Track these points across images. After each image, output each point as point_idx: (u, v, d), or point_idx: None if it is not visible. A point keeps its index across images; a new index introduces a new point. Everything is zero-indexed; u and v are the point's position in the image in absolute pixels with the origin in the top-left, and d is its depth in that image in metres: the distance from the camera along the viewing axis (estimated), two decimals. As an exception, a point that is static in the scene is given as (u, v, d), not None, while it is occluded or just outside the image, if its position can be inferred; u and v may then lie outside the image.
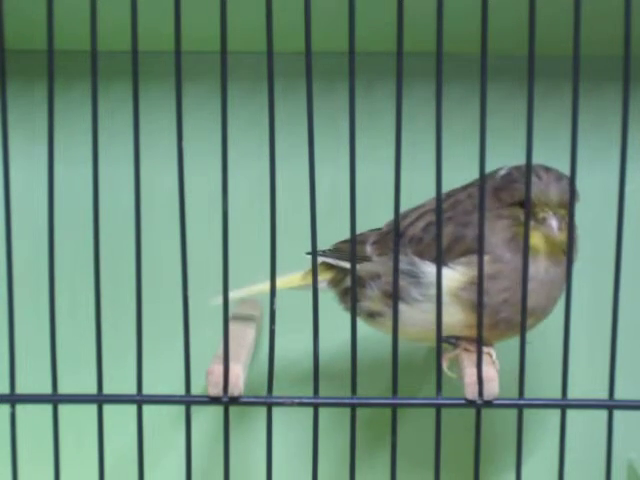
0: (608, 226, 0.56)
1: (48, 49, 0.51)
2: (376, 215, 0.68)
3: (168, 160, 0.59)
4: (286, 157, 0.67)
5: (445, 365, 0.64)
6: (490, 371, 0.57)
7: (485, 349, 0.61)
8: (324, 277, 0.71)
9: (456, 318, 0.62)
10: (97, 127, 0.53)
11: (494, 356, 0.63)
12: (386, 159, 0.62)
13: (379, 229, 0.70)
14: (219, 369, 0.56)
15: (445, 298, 0.61)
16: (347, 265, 0.70)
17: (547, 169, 0.63)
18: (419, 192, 0.67)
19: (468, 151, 0.63)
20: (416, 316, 0.63)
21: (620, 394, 0.56)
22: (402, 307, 0.64)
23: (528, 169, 0.53)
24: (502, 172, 0.64)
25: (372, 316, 0.67)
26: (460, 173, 0.66)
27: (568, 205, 0.57)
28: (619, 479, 0.79)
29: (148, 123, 0.65)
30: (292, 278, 0.72)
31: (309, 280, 0.68)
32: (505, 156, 0.64)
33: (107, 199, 0.59)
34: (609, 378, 0.55)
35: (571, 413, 0.56)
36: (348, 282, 0.70)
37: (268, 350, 0.56)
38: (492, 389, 0.56)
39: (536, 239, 0.61)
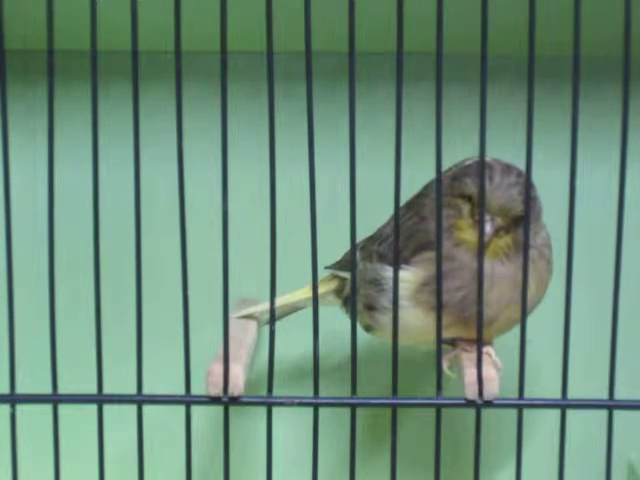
0: (608, 226, 0.56)
1: (48, 49, 0.51)
2: (376, 216, 0.68)
3: (168, 160, 0.59)
4: (286, 157, 0.67)
5: (445, 365, 0.64)
6: (490, 371, 0.57)
7: (484, 349, 0.61)
8: (330, 287, 0.72)
9: (424, 321, 0.62)
10: (97, 127, 0.53)
11: (493, 355, 0.63)
12: (386, 159, 0.62)
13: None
14: (219, 369, 0.56)
15: (403, 302, 0.61)
16: (343, 274, 0.70)
17: (505, 174, 0.61)
18: (419, 192, 0.67)
19: (468, 151, 0.63)
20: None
21: (620, 394, 0.56)
22: (379, 317, 0.64)
23: (528, 168, 0.53)
24: (467, 162, 0.64)
25: (367, 329, 0.67)
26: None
27: (511, 213, 0.58)
28: (619, 479, 0.79)
29: (148, 123, 0.65)
30: (301, 292, 0.72)
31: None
32: (505, 156, 0.64)
33: (107, 199, 0.60)
34: (609, 378, 0.55)
35: (571, 413, 0.56)
36: (346, 291, 0.70)
37: (268, 350, 0.56)
38: (492, 389, 0.56)
39: (469, 235, 0.61)
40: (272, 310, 0.56)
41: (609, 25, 0.59)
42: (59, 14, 0.52)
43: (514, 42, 0.62)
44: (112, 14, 0.61)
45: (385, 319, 0.63)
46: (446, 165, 0.61)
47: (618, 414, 0.56)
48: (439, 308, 0.54)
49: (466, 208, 0.62)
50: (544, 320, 0.69)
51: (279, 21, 0.54)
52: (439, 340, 0.55)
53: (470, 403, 0.56)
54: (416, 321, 0.58)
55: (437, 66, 0.50)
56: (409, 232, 0.63)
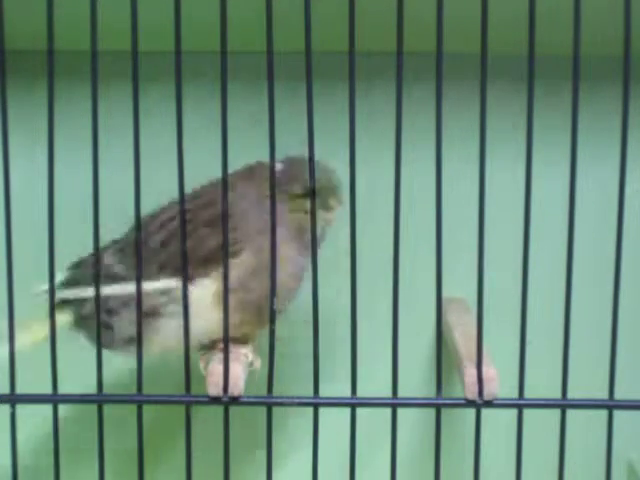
0: (608, 226, 0.56)
1: (48, 49, 0.52)
2: (376, 215, 0.68)
3: (168, 160, 0.59)
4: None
5: (202, 365, 0.63)
6: (490, 371, 0.57)
7: (242, 349, 0.61)
8: (62, 320, 0.63)
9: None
10: (97, 127, 0.53)
11: (250, 357, 0.63)
12: (386, 159, 0.62)
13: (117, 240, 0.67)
14: (219, 369, 0.56)
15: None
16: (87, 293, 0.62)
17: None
18: (419, 192, 0.67)
19: (468, 151, 0.63)
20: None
21: (620, 394, 0.56)
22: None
23: (528, 168, 0.53)
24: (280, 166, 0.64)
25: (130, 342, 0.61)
26: (460, 173, 0.67)
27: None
28: (619, 479, 0.79)
29: (148, 123, 0.65)
30: (34, 330, 0.62)
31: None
32: (505, 156, 0.64)
33: (107, 199, 0.59)
34: (609, 378, 0.55)
35: (571, 413, 0.56)
36: (88, 309, 0.63)
37: (268, 350, 0.56)
38: (492, 389, 0.56)
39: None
40: (272, 310, 0.56)
41: (609, 25, 0.59)
42: (59, 14, 0.52)
43: (514, 42, 0.62)
44: (112, 14, 0.61)
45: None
46: (446, 165, 0.61)
47: (618, 414, 0.56)
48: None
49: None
50: (544, 320, 0.69)
51: (279, 21, 0.54)
52: (439, 339, 0.55)
53: (470, 403, 0.56)
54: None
55: (437, 66, 0.50)
56: (194, 246, 0.61)
